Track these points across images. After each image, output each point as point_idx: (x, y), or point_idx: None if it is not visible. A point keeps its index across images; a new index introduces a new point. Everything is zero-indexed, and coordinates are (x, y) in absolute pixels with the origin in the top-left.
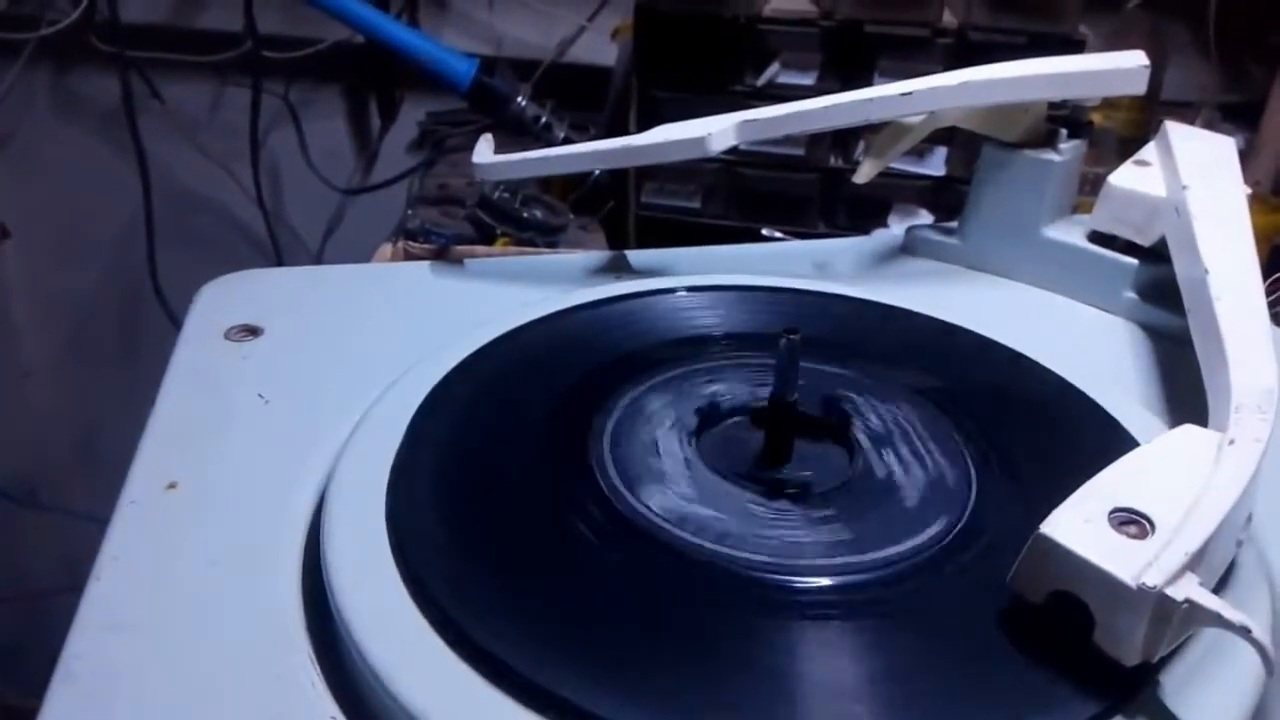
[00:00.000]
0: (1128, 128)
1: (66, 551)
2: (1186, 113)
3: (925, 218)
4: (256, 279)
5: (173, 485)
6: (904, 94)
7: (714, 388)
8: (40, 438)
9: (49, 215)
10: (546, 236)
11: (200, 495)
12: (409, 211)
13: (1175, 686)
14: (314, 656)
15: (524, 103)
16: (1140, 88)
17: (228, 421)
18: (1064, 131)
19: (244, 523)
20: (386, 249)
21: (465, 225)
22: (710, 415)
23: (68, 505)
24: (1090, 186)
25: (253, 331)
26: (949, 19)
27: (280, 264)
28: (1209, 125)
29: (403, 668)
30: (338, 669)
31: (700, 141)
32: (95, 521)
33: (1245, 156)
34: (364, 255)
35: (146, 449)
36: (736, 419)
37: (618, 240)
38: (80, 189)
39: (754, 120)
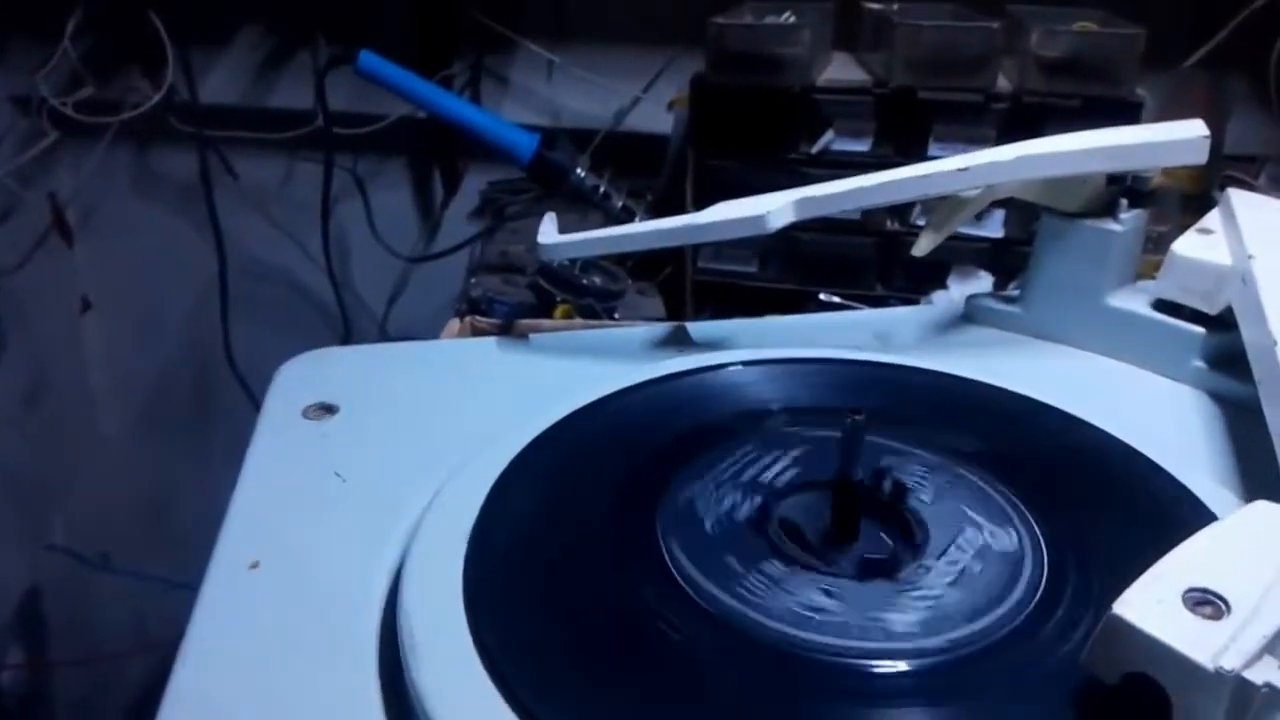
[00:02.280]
0: (1190, 184)
1: (137, 614)
2: (1249, 167)
3: (984, 279)
4: (331, 357)
5: (255, 564)
6: (960, 169)
7: (781, 466)
8: (114, 503)
9: (128, 288)
10: (605, 302)
11: (282, 574)
12: (471, 280)
13: None
14: None
15: (583, 174)
16: (1201, 157)
17: (307, 501)
18: (1124, 201)
19: (323, 602)
20: (455, 324)
21: (526, 293)
22: (775, 495)
23: (138, 569)
24: (1153, 245)
25: (329, 410)
26: (1004, 84)
27: (347, 329)
28: (1273, 179)
29: None
30: None
31: (759, 220)
32: (165, 584)
33: None
34: (427, 321)
35: (230, 528)
36: (803, 498)
37: (675, 304)
38: (158, 262)
39: (810, 198)
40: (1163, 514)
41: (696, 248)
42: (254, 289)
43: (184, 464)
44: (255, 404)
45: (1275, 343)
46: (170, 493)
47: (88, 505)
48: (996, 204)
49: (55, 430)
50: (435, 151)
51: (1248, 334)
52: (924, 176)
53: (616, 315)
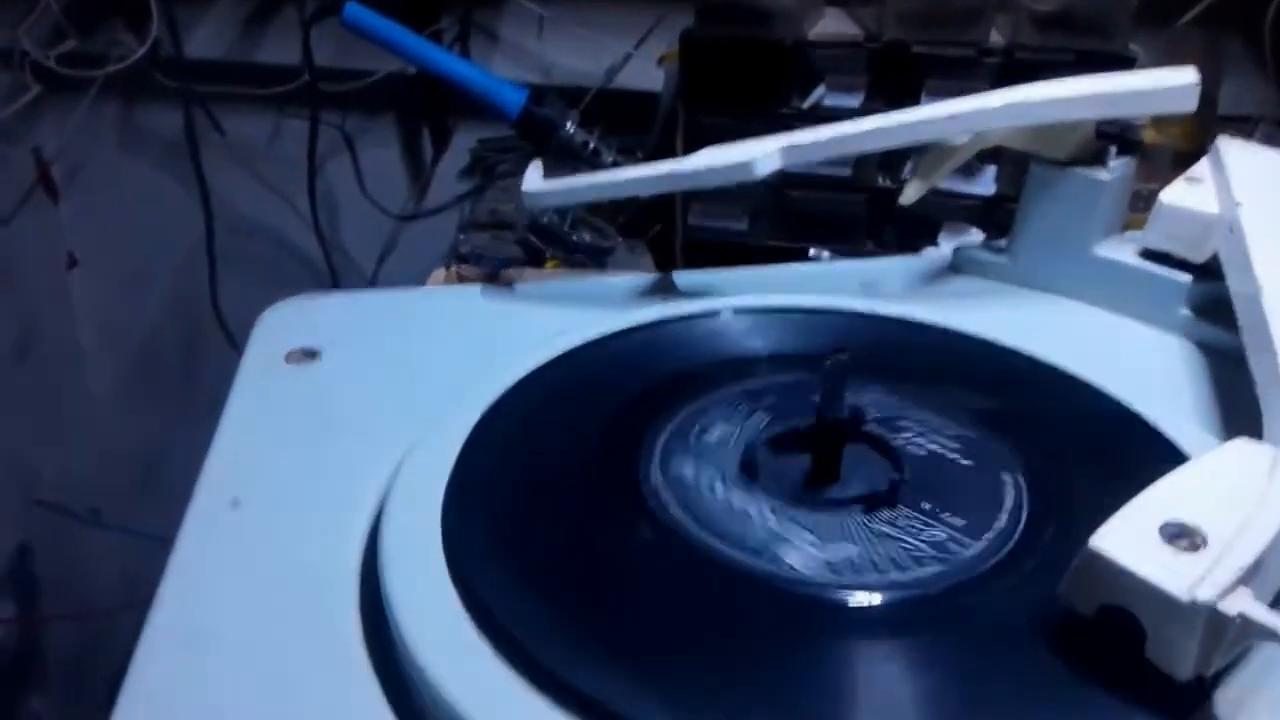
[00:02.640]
0: (1183, 143)
1: (127, 570)
2: (1243, 128)
3: (975, 236)
4: (314, 303)
5: (236, 502)
6: (949, 115)
7: (762, 409)
8: (104, 459)
9: (114, 244)
10: (595, 259)
11: (262, 513)
12: (460, 236)
13: (1230, 703)
14: (371, 669)
15: (572, 129)
16: (1190, 105)
17: (288, 442)
18: (1113, 149)
19: (304, 539)
20: (440, 273)
21: (515, 249)
22: (759, 437)
23: (129, 525)
24: (1144, 204)
25: (311, 355)
26: (996, 38)
27: (336, 288)
28: (1267, 140)
29: (458, 679)
30: (394, 681)
31: (746, 166)
32: (156, 540)
33: None
34: (417, 280)
35: (211, 467)
36: (785, 439)
37: (665, 262)
38: (144, 219)
39: (798, 144)
40: (1145, 459)
41: (686, 205)
42: (241, 247)
43: (173, 420)
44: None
45: (1260, 289)
46: (159, 449)
47: (77, 461)
48: (987, 160)
49: (43, 386)
50: (424, 108)
51: (1233, 281)
52: (913, 122)
53: (607, 272)
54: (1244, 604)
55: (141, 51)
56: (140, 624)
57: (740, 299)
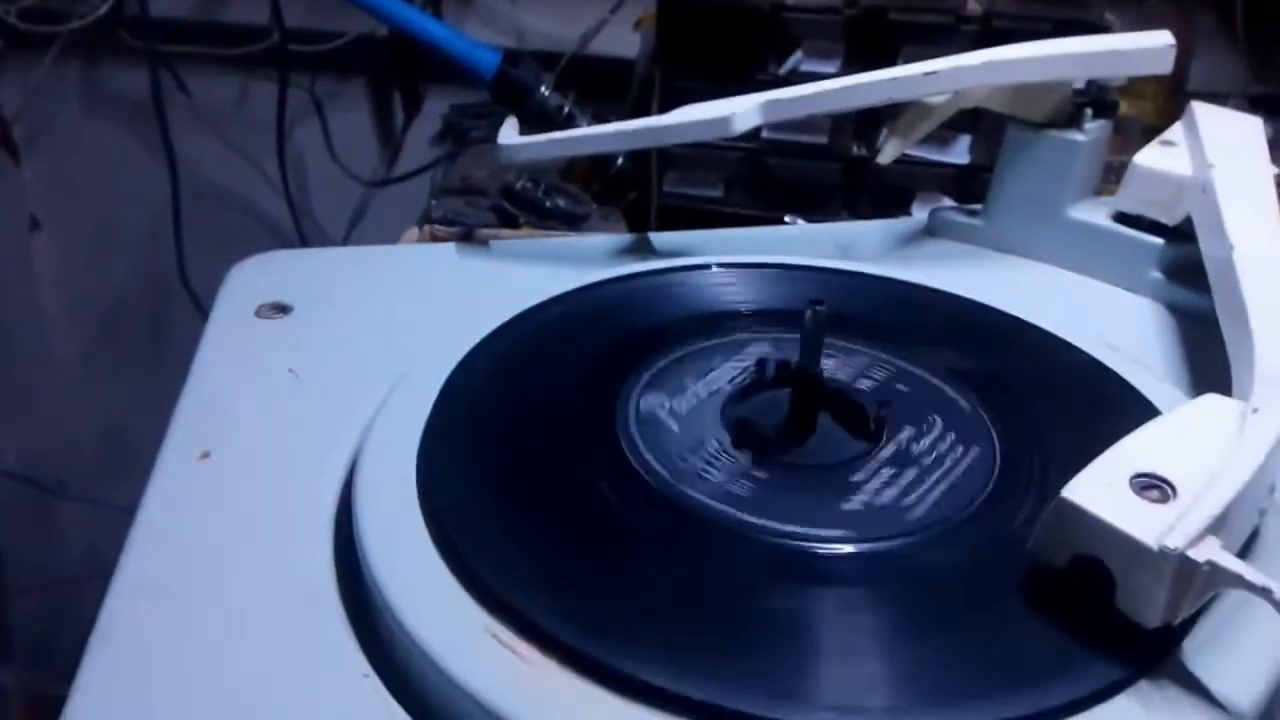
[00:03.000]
0: (1154, 117)
1: (93, 541)
2: (1213, 103)
3: (949, 205)
4: (286, 259)
5: (205, 455)
6: (927, 73)
7: (742, 361)
8: (69, 427)
9: (78, 207)
10: (569, 225)
11: (233, 464)
12: (433, 202)
13: (1198, 650)
14: (345, 616)
15: (547, 93)
16: (1166, 67)
17: (259, 395)
18: (1089, 111)
19: (276, 490)
20: (414, 232)
21: (489, 215)
22: (738, 388)
23: (95, 495)
24: (1115, 175)
25: (282, 309)
26: (973, 6)
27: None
28: None
29: (432, 627)
30: (369, 629)
31: (724, 121)
32: (123, 511)
33: (1273, 146)
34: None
35: (180, 419)
36: (763, 392)
37: (640, 228)
38: (108, 182)
39: (778, 100)
40: (1116, 415)
41: (661, 172)
42: (208, 211)
43: (140, 389)
44: None
45: (1232, 249)
46: (125, 416)
47: (42, 430)
48: (962, 128)
49: (6, 353)
50: (395, 72)
51: (1205, 242)
52: (892, 80)
53: None
54: (1212, 552)
55: (105, 9)
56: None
57: (721, 256)
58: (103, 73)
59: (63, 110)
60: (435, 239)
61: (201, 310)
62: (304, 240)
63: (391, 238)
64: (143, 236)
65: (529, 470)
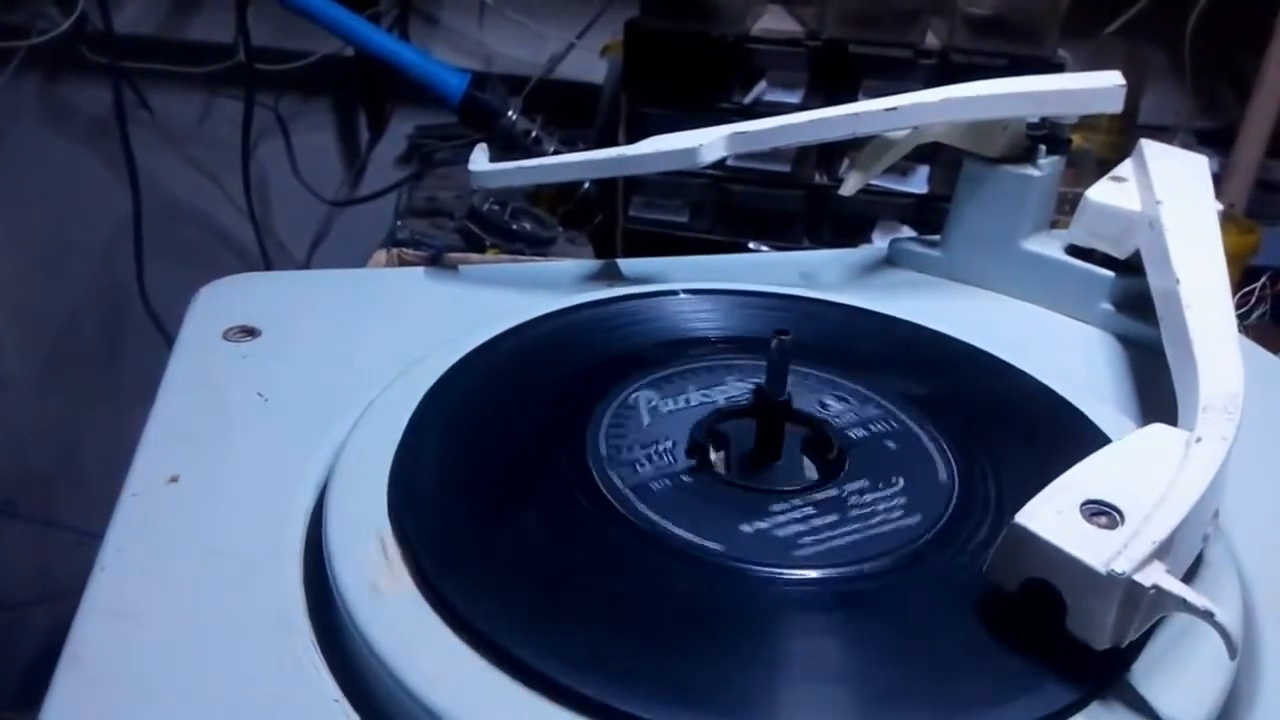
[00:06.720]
0: (1106, 150)
1: (41, 563)
2: (1162, 137)
3: (908, 234)
4: (254, 282)
5: (174, 479)
6: (889, 109)
7: (707, 388)
8: (19, 447)
9: (35, 224)
10: (535, 249)
11: (202, 488)
12: (398, 223)
13: (1146, 671)
14: (316, 641)
15: (514, 117)
16: (1116, 106)
17: (227, 418)
18: (1043, 148)
19: (246, 513)
20: (381, 255)
21: (454, 237)
22: (704, 414)
23: (46, 516)
24: (1069, 206)
25: (250, 333)
26: (932, 40)
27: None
28: (1185, 149)
29: (404, 651)
30: (339, 652)
31: (691, 152)
32: (74, 532)
33: (1219, 180)
34: (352, 266)
35: (148, 443)
36: (728, 419)
37: (606, 253)
38: (67, 198)
39: (744, 132)
40: (1067, 442)
41: (628, 197)
42: (170, 230)
43: (94, 409)
44: (172, 347)
45: (1178, 282)
46: (79, 438)
47: None
48: (921, 159)
49: None
50: (361, 92)
51: (1153, 276)
52: (854, 115)
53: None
54: (1158, 576)
55: (67, 25)
56: (55, 617)
57: (689, 283)
58: (64, 88)
59: (20, 125)
60: (404, 262)
61: (161, 329)
62: (267, 259)
63: (355, 257)
64: (101, 253)
65: (498, 494)
